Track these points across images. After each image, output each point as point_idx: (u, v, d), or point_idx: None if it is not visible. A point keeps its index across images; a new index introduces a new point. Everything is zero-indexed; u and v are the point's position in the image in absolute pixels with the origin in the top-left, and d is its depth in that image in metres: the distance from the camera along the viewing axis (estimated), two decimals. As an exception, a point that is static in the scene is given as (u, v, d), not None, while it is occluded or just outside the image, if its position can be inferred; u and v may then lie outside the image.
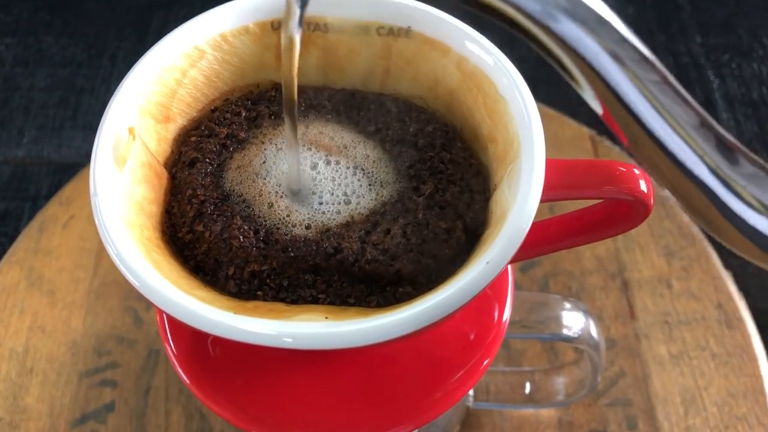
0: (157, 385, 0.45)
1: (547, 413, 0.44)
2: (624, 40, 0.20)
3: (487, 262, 0.23)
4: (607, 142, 0.55)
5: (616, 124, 0.21)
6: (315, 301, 0.25)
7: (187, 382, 0.32)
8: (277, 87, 0.31)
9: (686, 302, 0.48)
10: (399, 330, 0.22)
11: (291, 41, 0.24)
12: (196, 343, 0.32)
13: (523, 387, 0.43)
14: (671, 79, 0.21)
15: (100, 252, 0.50)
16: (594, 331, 0.36)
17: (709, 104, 0.60)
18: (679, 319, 0.48)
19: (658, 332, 0.47)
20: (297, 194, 0.28)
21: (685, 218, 0.52)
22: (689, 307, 0.48)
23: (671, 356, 0.46)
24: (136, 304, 0.48)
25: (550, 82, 0.52)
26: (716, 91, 0.61)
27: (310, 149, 0.29)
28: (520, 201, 0.24)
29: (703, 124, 0.20)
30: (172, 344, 0.33)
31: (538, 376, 0.43)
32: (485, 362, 0.31)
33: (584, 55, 0.20)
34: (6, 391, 0.45)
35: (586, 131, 0.56)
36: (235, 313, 0.23)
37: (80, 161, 0.57)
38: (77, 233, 0.51)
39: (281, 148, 0.29)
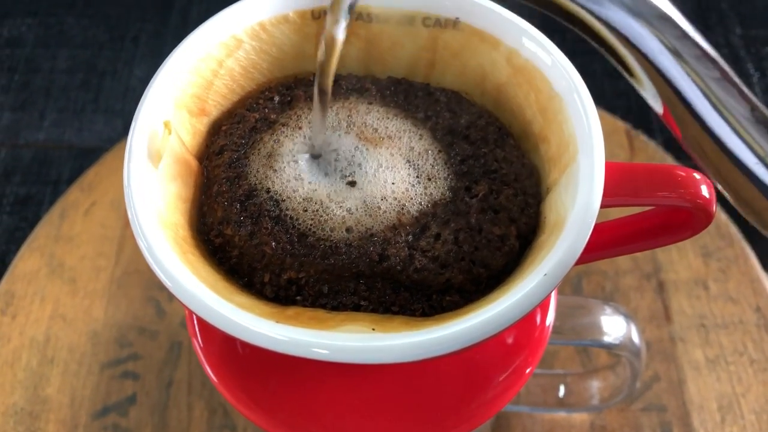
0: (179, 378, 0.44)
1: (579, 417, 0.43)
2: (686, 36, 0.19)
3: (545, 274, 0.21)
4: (644, 137, 0.54)
5: (676, 123, 0.20)
6: (357, 307, 0.24)
7: (215, 380, 0.31)
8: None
9: (723, 305, 0.47)
10: (450, 346, 0.20)
11: (332, 39, 0.23)
12: (226, 341, 0.31)
13: (556, 390, 0.42)
14: (733, 75, 0.20)
15: (122, 240, 0.49)
16: (636, 337, 0.35)
17: (748, 99, 0.58)
18: (716, 322, 0.46)
19: (694, 336, 0.46)
20: (334, 188, 0.26)
21: (723, 217, 0.50)
22: (726, 310, 0.47)
23: (708, 361, 0.45)
24: (159, 294, 0.47)
25: (583, 72, 0.50)
26: (756, 84, 0.59)
27: (348, 133, 0.27)
28: (580, 208, 0.22)
29: (765, 123, 0.19)
30: (200, 340, 0.32)
31: (572, 379, 0.42)
32: (528, 370, 0.30)
33: (646, 52, 0.19)
34: (26, 380, 0.44)
35: (621, 125, 0.54)
36: (276, 322, 0.21)
37: (102, 146, 0.56)
38: (99, 220, 0.50)
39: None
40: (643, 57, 0.19)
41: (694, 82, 0.19)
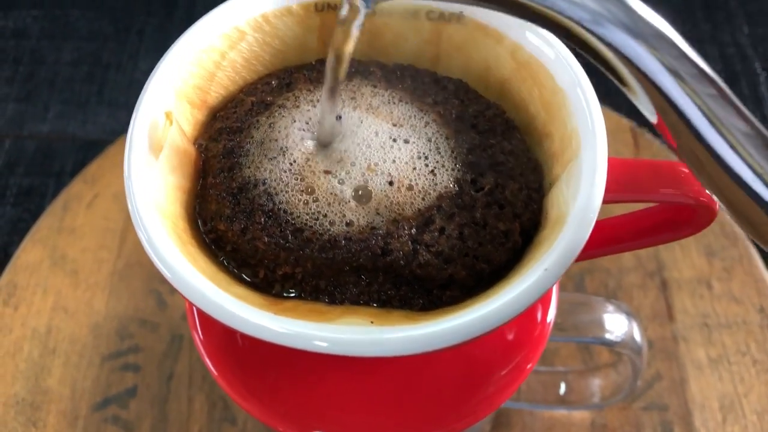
0: (180, 371, 0.44)
1: (579, 415, 0.42)
2: (683, 56, 0.19)
3: (546, 269, 0.21)
4: (648, 135, 0.53)
5: (669, 132, 0.20)
6: (356, 301, 0.24)
7: (215, 373, 0.31)
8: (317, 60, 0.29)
9: (727, 304, 0.47)
10: (449, 340, 0.20)
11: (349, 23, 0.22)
12: (226, 334, 0.31)
13: (557, 387, 0.42)
14: (730, 93, 0.19)
15: (124, 232, 0.49)
16: (638, 336, 0.35)
17: (755, 99, 0.58)
18: (719, 321, 0.46)
19: (696, 335, 0.46)
20: (332, 176, 0.25)
21: (727, 217, 0.50)
22: (730, 309, 0.46)
23: (710, 360, 0.45)
24: (160, 286, 0.47)
25: (588, 69, 0.50)
26: (763, 84, 0.59)
27: (351, 115, 0.26)
28: (581, 204, 0.22)
29: (763, 141, 0.19)
30: (200, 333, 0.32)
31: (573, 376, 0.42)
32: (528, 365, 0.29)
33: (645, 70, 0.19)
34: (28, 371, 0.44)
35: (626, 122, 0.54)
36: (274, 314, 0.21)
37: (105, 138, 0.56)
38: (101, 212, 0.50)
39: (313, 116, 0.26)
40: (641, 74, 0.19)
41: (692, 100, 0.19)
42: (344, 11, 0.22)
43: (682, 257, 0.48)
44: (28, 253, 0.48)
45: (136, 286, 0.47)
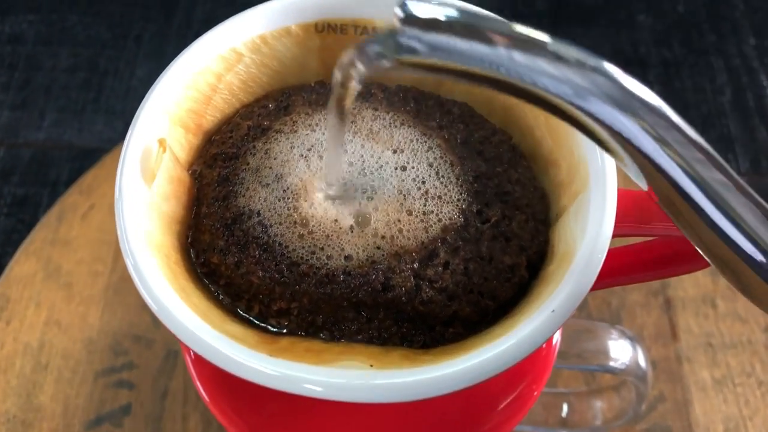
0: (174, 388, 0.43)
1: (581, 437, 0.42)
2: (673, 126, 0.18)
3: (553, 311, 0.20)
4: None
5: (660, 200, 0.19)
6: (355, 336, 0.23)
7: (207, 400, 0.31)
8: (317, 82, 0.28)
9: (732, 324, 0.46)
10: (452, 385, 0.20)
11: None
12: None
13: (559, 409, 0.41)
14: (718, 158, 0.19)
15: (119, 245, 0.48)
16: (642, 362, 0.34)
17: (761, 111, 0.57)
18: (724, 342, 0.45)
19: (701, 355, 0.45)
20: (331, 209, 0.24)
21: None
22: (735, 329, 0.46)
23: (714, 381, 0.44)
24: (156, 301, 0.46)
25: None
26: (769, 97, 0.58)
27: (352, 141, 0.25)
28: (590, 240, 0.21)
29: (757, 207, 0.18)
30: (192, 356, 0.31)
31: (575, 398, 0.41)
32: (534, 393, 0.29)
33: (634, 143, 0.18)
34: (19, 387, 0.43)
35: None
36: (269, 355, 0.20)
37: (101, 147, 0.55)
38: (97, 224, 0.49)
39: (312, 143, 0.24)
40: (630, 145, 0.18)
41: (680, 166, 0.18)
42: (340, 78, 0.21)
43: (687, 276, 0.47)
44: (22, 265, 0.47)
45: (130, 301, 0.46)
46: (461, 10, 0.18)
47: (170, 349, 0.45)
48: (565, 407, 0.41)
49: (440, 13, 0.17)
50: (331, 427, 0.28)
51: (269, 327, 0.23)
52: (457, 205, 0.24)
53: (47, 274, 0.47)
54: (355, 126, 0.26)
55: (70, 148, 0.55)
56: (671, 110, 0.18)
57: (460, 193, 0.24)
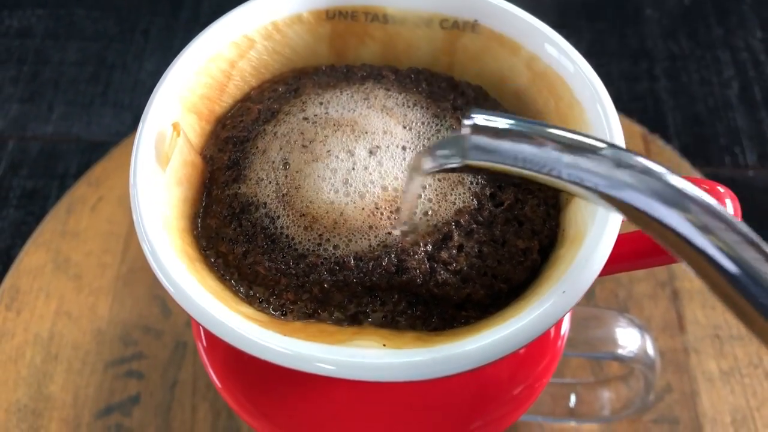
0: (183, 378, 0.44)
1: (589, 428, 0.42)
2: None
3: (564, 292, 0.20)
4: (660, 141, 0.53)
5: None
6: (368, 319, 0.23)
7: (219, 386, 0.31)
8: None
9: (739, 316, 0.46)
10: (464, 365, 0.20)
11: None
12: (231, 346, 0.31)
13: (567, 400, 0.41)
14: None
15: (128, 237, 0.48)
16: (651, 350, 0.34)
17: (767, 104, 0.57)
18: (731, 333, 0.45)
19: (708, 346, 0.45)
20: (340, 195, 0.23)
21: (741, 226, 0.49)
22: (742, 321, 0.46)
23: (721, 373, 0.44)
24: (164, 293, 0.46)
25: (599, 74, 0.49)
26: (776, 90, 0.58)
27: (353, 131, 0.24)
28: (600, 223, 0.22)
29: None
30: (204, 343, 0.31)
31: (583, 389, 0.41)
32: (542, 381, 0.29)
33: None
34: (30, 377, 0.43)
35: (637, 129, 0.53)
36: (282, 335, 0.21)
37: (109, 140, 0.55)
38: (106, 216, 0.49)
39: (322, 121, 0.24)
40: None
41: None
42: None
43: (694, 267, 0.47)
44: (31, 256, 0.48)
45: (140, 292, 0.46)
46: (519, 120, 0.19)
47: (179, 340, 0.45)
48: (572, 397, 0.41)
49: (503, 124, 0.19)
50: (339, 411, 0.28)
51: (282, 312, 0.23)
52: (470, 188, 0.24)
53: (57, 266, 0.47)
54: (368, 103, 0.25)
55: (78, 141, 0.56)
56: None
57: (474, 176, 0.24)
